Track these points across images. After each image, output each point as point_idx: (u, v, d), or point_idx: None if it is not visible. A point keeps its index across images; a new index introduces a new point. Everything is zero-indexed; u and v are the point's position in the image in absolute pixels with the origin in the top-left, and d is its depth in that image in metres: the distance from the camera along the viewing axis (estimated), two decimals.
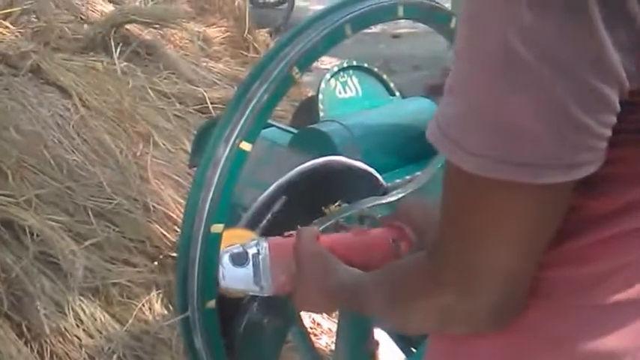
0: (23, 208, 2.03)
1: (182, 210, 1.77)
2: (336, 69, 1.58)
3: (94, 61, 2.68)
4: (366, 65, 1.62)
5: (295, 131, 1.51)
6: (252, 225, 1.27)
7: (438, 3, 1.50)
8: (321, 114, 1.53)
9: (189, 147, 2.28)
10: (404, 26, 5.73)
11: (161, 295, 2.09)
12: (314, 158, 1.33)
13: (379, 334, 1.48)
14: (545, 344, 0.71)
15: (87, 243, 2.05)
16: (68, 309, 1.95)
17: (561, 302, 0.70)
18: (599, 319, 0.69)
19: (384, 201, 1.34)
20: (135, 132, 2.44)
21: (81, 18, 2.92)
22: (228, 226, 1.25)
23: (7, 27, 2.66)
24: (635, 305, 0.69)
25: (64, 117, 2.36)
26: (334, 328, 1.90)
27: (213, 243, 1.24)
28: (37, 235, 1.98)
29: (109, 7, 3.03)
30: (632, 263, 0.68)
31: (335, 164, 1.34)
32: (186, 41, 3.17)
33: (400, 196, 1.35)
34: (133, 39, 2.89)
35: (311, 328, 2.22)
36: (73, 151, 2.26)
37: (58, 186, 2.14)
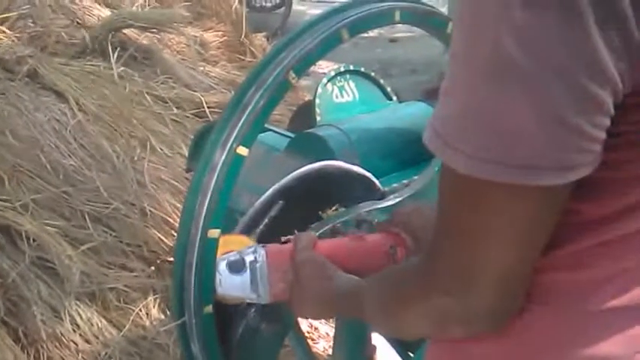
0: (20, 213, 2.02)
1: (179, 214, 1.77)
2: (333, 73, 1.58)
3: (91, 65, 2.68)
4: (363, 69, 1.62)
5: (292, 135, 1.50)
6: (249, 229, 1.27)
7: (434, 8, 1.50)
8: (318, 118, 1.53)
9: (186, 151, 2.27)
10: (401, 30, 5.75)
11: (158, 300, 2.08)
12: (311, 163, 1.32)
13: (377, 339, 1.48)
14: (540, 349, 0.71)
15: (83, 248, 2.05)
16: (65, 314, 1.94)
17: (557, 307, 0.70)
18: (595, 325, 0.69)
19: (381, 205, 1.34)
20: (132, 136, 2.43)
21: (78, 22, 2.92)
22: (225, 230, 1.25)
23: (3, 31, 2.66)
24: (630, 311, 0.69)
25: (60, 122, 2.36)
26: (332, 332, 1.90)
27: (210, 248, 1.24)
28: (34, 240, 1.98)
29: (106, 12, 3.02)
30: (629, 270, 0.68)
31: (332, 169, 1.34)
32: (183, 46, 3.17)
33: (397, 200, 1.35)
34: (129, 43, 2.89)
35: (308, 333, 2.21)
36: (69, 156, 2.26)
37: (54, 191, 2.13)
